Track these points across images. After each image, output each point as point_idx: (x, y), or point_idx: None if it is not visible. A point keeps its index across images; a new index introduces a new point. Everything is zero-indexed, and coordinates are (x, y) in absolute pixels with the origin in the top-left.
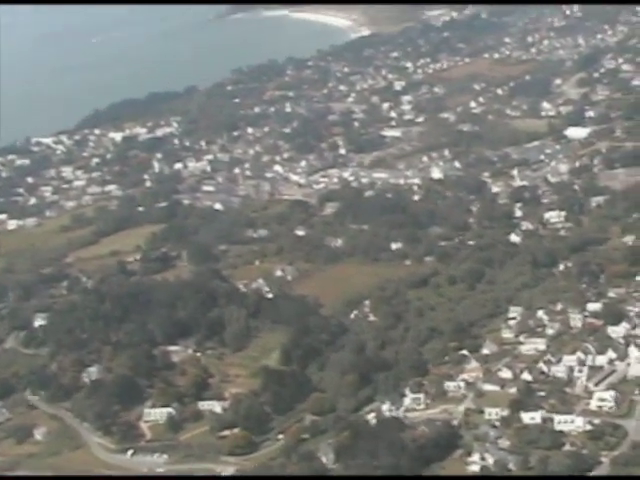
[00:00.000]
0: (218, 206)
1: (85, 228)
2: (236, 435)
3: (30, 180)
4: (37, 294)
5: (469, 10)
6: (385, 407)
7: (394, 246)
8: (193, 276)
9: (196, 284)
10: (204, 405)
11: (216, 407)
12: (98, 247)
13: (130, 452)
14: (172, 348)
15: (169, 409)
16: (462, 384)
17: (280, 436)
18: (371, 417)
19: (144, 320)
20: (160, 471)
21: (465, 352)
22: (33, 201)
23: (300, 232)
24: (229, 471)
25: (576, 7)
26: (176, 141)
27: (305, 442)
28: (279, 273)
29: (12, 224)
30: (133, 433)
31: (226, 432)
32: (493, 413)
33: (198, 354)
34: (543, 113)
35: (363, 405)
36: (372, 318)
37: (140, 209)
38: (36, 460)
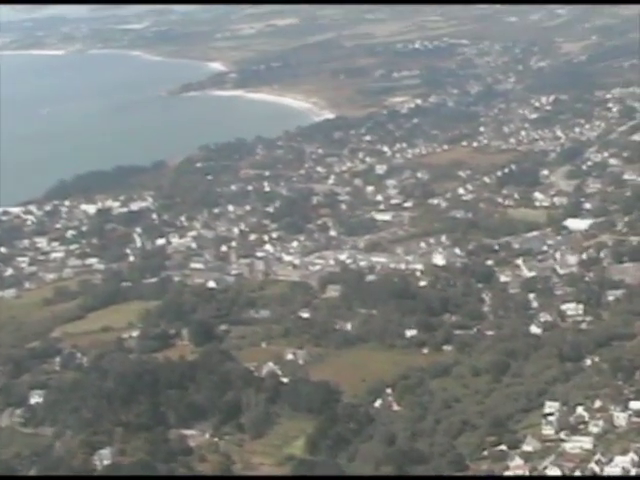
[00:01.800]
0: (212, 284)
1: (69, 302)
2: None
3: (3, 250)
4: (29, 369)
5: (433, 98)
6: None
7: (408, 333)
8: (200, 356)
9: (206, 365)
10: None
11: None
12: (86, 322)
13: None
14: (188, 432)
15: None
16: None
17: None
18: None
19: (154, 401)
20: None
21: (504, 448)
22: (10, 272)
23: (305, 314)
24: None
25: (545, 100)
26: (154, 216)
27: None
28: (290, 357)
29: None
30: None
31: None
32: None
33: (216, 439)
34: (537, 203)
35: None
36: (396, 407)
37: (126, 284)
38: None
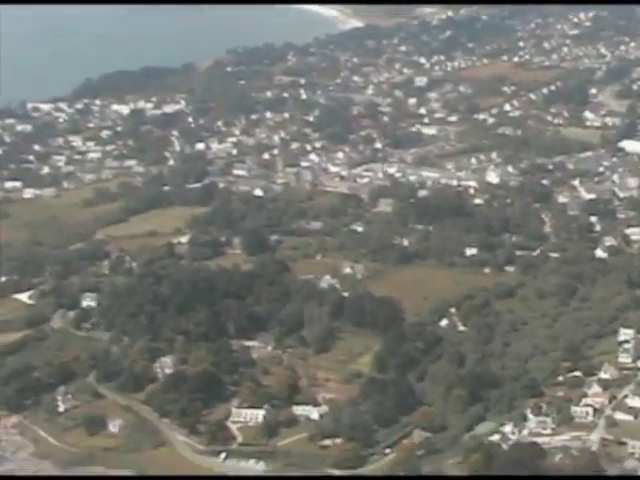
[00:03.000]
0: (259, 192)
1: (110, 204)
2: (341, 446)
3: (38, 148)
4: (77, 271)
5: (465, 11)
6: (508, 429)
7: (468, 252)
8: (255, 266)
9: (263, 275)
10: (298, 410)
11: (312, 413)
12: (129, 225)
13: (223, 455)
14: (249, 343)
15: (261, 411)
16: (589, 410)
17: (387, 450)
18: (496, 439)
19: (213, 311)
20: None
21: (579, 374)
22: (46, 170)
23: (358, 228)
24: None
25: (584, 16)
26: (190, 119)
27: (418, 459)
28: (348, 271)
29: (28, 193)
30: (223, 434)
31: (327, 442)
32: (637, 447)
33: (279, 352)
34: (588, 123)
35: (475, 423)
36: (462, 328)
37: (168, 188)
38: (114, 456)
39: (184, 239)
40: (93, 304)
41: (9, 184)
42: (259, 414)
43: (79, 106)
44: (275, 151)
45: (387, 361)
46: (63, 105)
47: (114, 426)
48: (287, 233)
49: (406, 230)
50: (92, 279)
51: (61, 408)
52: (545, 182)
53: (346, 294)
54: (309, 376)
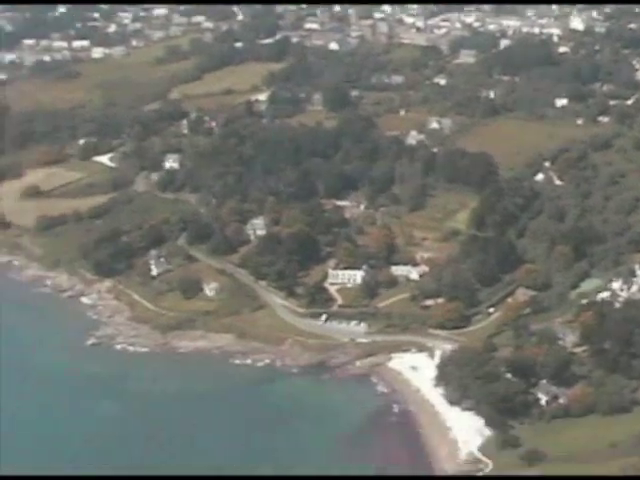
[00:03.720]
0: (334, 46)
1: (182, 62)
2: (445, 306)
3: (103, 5)
4: (157, 132)
5: None
6: (616, 285)
7: (559, 102)
8: (339, 123)
9: (348, 132)
10: (397, 270)
11: (412, 273)
12: (203, 83)
13: (324, 317)
14: (341, 203)
15: (360, 272)
16: None
17: (491, 309)
18: (606, 296)
19: (302, 170)
20: (361, 341)
21: None
22: (113, 28)
23: (440, 80)
24: (443, 347)
25: None
26: None
27: (524, 319)
28: (434, 125)
29: (97, 52)
30: (322, 297)
31: (429, 302)
32: None
33: (371, 211)
34: None
35: (580, 280)
36: (559, 182)
37: (240, 44)
38: (213, 319)
39: (262, 97)
40: (176, 165)
41: (77, 43)
42: (357, 275)
43: None
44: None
45: (485, 218)
46: None
47: (210, 290)
48: (367, 88)
49: (491, 82)
50: (173, 140)
51: (154, 272)
52: (633, 26)
53: (436, 150)
54: (405, 235)
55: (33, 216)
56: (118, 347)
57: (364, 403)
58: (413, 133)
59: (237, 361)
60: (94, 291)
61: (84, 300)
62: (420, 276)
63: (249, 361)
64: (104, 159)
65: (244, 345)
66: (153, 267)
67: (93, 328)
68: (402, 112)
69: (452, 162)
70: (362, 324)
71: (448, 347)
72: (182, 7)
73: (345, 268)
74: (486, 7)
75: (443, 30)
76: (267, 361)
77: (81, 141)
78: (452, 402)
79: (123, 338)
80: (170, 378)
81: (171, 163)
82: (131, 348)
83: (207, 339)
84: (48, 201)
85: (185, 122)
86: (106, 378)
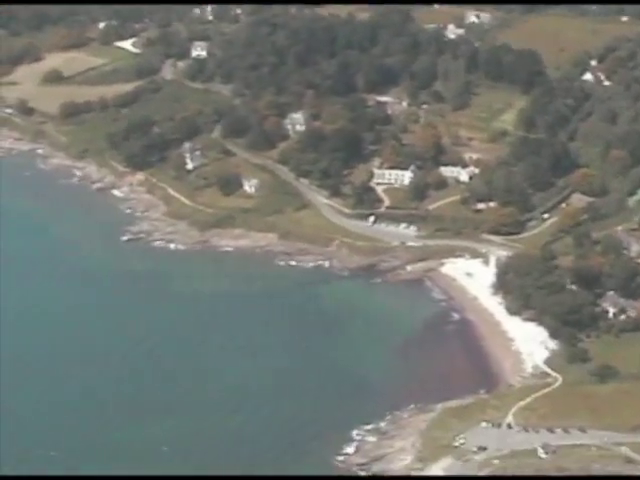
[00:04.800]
0: None
1: None
2: (498, 210)
3: None
4: (181, 18)
5: None
6: None
7: None
8: (376, 15)
9: (386, 24)
10: (446, 171)
11: (461, 175)
12: None
13: (372, 219)
14: (382, 98)
15: (407, 172)
16: None
17: (545, 215)
18: None
19: (340, 62)
20: (412, 245)
21: None
22: None
23: None
24: (498, 254)
25: None
26: None
27: (581, 226)
28: (473, 19)
29: None
30: (368, 197)
31: (481, 205)
32: None
33: (414, 108)
34: None
35: (638, 187)
36: (607, 83)
37: None
38: (255, 217)
39: None
40: (204, 54)
41: None
42: (405, 175)
43: None
44: None
45: (535, 119)
46: None
47: (250, 186)
48: None
49: None
50: (198, 26)
51: (189, 166)
52: None
53: (477, 45)
54: (451, 134)
55: (56, 102)
56: (156, 244)
57: (420, 309)
58: (451, 27)
59: (281, 262)
60: (125, 184)
61: (115, 193)
62: (470, 178)
63: (294, 262)
64: (126, 44)
65: (289, 245)
66: (188, 160)
67: (127, 223)
68: (436, 5)
69: (496, 59)
70: (411, 227)
71: (503, 253)
72: None
73: (390, 168)
74: None
75: None
76: (314, 263)
77: (101, 25)
78: (512, 312)
79: (160, 234)
80: (215, 278)
81: (199, 51)
82: (170, 245)
83: (249, 238)
84: (71, 87)
85: (209, 8)
86: (148, 277)
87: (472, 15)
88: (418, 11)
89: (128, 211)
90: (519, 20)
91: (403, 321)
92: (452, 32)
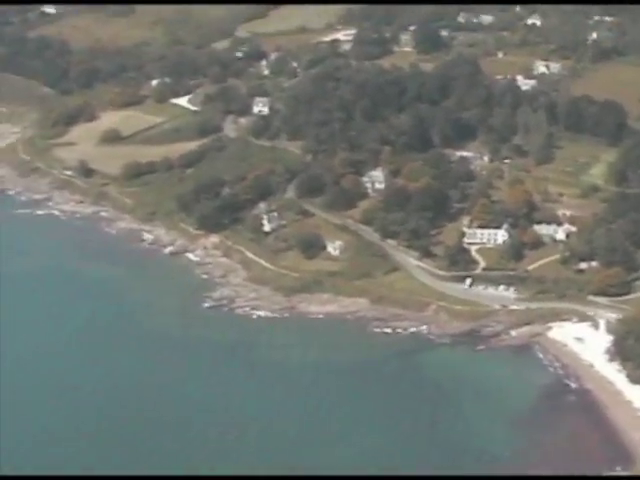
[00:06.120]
0: None
1: None
2: (600, 271)
3: None
4: (237, 74)
5: None
6: None
7: None
8: (439, 65)
9: (456, 77)
10: (542, 229)
11: (558, 233)
12: (271, 21)
13: (468, 281)
14: (462, 153)
15: (500, 231)
16: None
17: None
18: None
19: (414, 117)
20: (514, 308)
21: None
22: None
23: (536, 21)
24: (607, 317)
25: None
26: None
27: None
28: (542, 70)
29: None
30: (463, 257)
31: (582, 265)
32: None
33: (496, 163)
34: None
35: None
36: None
37: None
38: (343, 281)
39: (340, 36)
40: (266, 110)
41: None
42: (498, 234)
43: None
44: None
45: (626, 173)
46: None
47: (334, 248)
48: (456, 28)
49: (593, 23)
50: (255, 81)
51: (267, 227)
52: None
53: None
54: (540, 190)
55: (117, 163)
56: (239, 311)
57: (532, 377)
58: (520, 78)
59: (376, 329)
60: (199, 247)
61: (190, 256)
62: (566, 236)
63: (388, 329)
64: (182, 101)
65: (382, 311)
66: (265, 222)
67: (207, 289)
68: (500, 55)
69: (577, 110)
70: (511, 289)
71: (612, 316)
72: None
73: (481, 227)
74: None
75: None
76: (411, 329)
77: (154, 82)
78: (635, 380)
79: (243, 301)
80: (305, 347)
81: (260, 107)
82: (255, 312)
83: (338, 303)
84: (130, 147)
85: (264, 63)
86: (235, 346)
87: (541, 65)
88: (482, 60)
89: (205, 276)
90: (590, 69)
91: (516, 391)
92: (523, 83)
